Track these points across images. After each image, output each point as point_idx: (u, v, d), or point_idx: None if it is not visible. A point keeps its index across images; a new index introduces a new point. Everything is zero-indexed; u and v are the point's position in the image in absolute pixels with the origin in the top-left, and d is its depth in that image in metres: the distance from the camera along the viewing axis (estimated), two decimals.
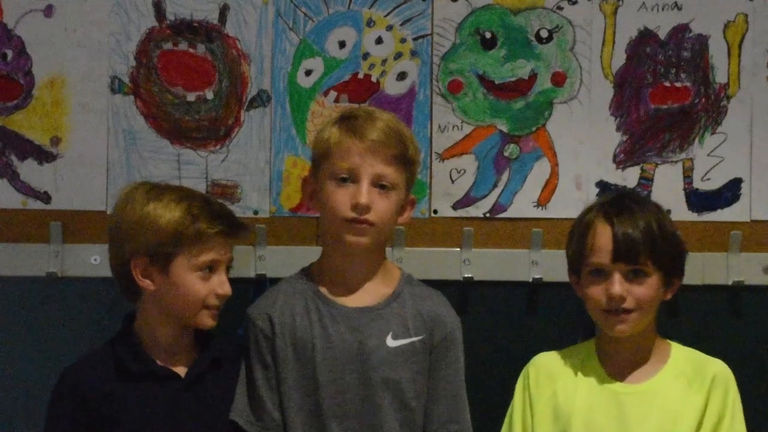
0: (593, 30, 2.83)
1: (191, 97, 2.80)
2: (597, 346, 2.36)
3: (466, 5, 2.82)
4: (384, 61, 2.81)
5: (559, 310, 2.79)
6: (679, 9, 2.82)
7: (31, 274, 2.76)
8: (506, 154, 2.83)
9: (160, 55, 2.80)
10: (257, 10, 2.81)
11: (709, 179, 2.83)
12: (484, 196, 2.82)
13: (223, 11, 2.80)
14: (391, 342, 2.28)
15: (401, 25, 2.81)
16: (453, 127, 2.82)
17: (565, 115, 2.82)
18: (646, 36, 2.82)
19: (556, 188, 2.82)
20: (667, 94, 2.83)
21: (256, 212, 2.80)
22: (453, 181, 2.82)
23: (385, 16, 2.81)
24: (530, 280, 2.79)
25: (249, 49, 2.80)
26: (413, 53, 2.82)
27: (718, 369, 2.31)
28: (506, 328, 2.81)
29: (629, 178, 2.82)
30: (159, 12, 2.79)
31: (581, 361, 2.35)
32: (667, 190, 2.79)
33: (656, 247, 2.26)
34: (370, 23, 2.81)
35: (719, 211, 2.82)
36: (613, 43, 2.82)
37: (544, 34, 2.82)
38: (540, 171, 2.82)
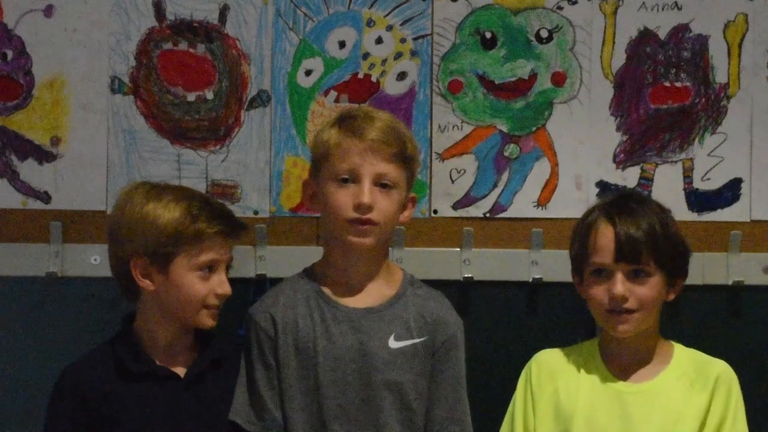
0: (593, 30, 2.83)
1: (191, 97, 2.80)
2: (600, 345, 2.36)
3: (466, 5, 2.82)
4: (384, 61, 2.81)
5: (559, 310, 2.79)
6: (679, 9, 2.82)
7: (31, 274, 2.76)
8: (506, 154, 2.83)
9: (160, 55, 2.80)
10: (257, 10, 2.81)
11: (709, 179, 2.83)
12: (484, 196, 2.82)
13: (223, 11, 2.80)
14: (393, 343, 2.28)
15: (401, 25, 2.81)
16: (453, 127, 2.82)
17: (565, 115, 2.83)
18: (646, 36, 2.82)
19: (556, 188, 2.82)
20: (667, 94, 2.83)
21: (256, 212, 2.80)
22: (453, 181, 2.82)
23: (385, 16, 2.81)
24: (530, 280, 2.79)
25: (249, 49, 2.80)
26: (413, 53, 2.82)
27: (722, 370, 2.31)
28: (506, 328, 2.81)
29: (629, 178, 2.82)
30: (159, 12, 2.79)
31: (584, 359, 2.35)
32: (667, 190, 2.79)
33: (659, 247, 2.26)
34: (370, 23, 2.81)
35: (719, 211, 2.82)
36: (613, 43, 2.82)
37: (544, 34, 2.82)
38: (540, 171, 2.82)
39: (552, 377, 2.34)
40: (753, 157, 2.83)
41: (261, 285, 2.73)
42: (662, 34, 2.82)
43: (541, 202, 2.82)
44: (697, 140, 2.83)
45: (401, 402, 2.27)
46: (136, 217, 2.26)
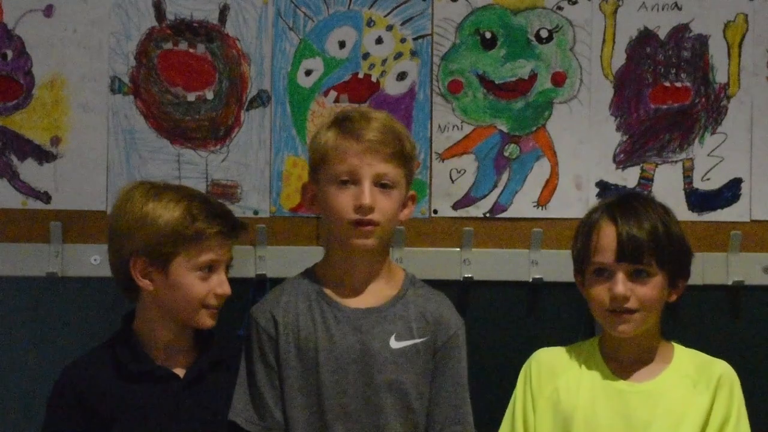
0: (593, 30, 2.83)
1: (191, 97, 2.80)
2: (600, 345, 2.35)
3: (466, 5, 2.82)
4: (384, 61, 2.81)
5: (559, 310, 2.79)
6: (679, 9, 2.82)
7: (31, 274, 2.76)
8: (506, 154, 2.83)
9: (160, 55, 2.80)
10: (257, 10, 2.81)
11: (709, 179, 2.83)
12: (484, 196, 2.82)
13: (223, 11, 2.80)
14: (394, 343, 2.28)
15: (401, 25, 2.81)
16: (453, 127, 2.82)
17: (565, 115, 2.83)
18: (646, 36, 2.82)
19: (556, 188, 2.82)
20: (667, 94, 2.83)
21: (256, 212, 2.80)
22: (453, 181, 2.82)
23: (385, 16, 2.81)
24: (530, 280, 2.79)
25: (249, 49, 2.80)
26: (413, 53, 2.82)
27: (723, 370, 2.31)
28: (506, 328, 2.81)
29: (629, 178, 2.83)
30: (159, 12, 2.79)
31: (584, 357, 2.35)
32: (667, 190, 2.79)
33: (661, 247, 2.26)
34: (370, 23, 2.81)
35: (719, 211, 2.82)
36: (613, 43, 2.82)
37: (544, 34, 2.82)
38: (540, 171, 2.82)
39: (552, 376, 2.34)
40: (753, 157, 2.83)
41: (261, 285, 2.73)
42: (662, 34, 2.82)
43: (541, 202, 2.82)
44: (697, 140, 2.83)
45: (402, 402, 2.27)
46: (136, 216, 2.26)
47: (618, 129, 2.83)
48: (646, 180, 2.82)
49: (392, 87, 2.82)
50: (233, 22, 2.80)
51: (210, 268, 2.28)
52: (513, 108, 2.82)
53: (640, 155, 2.83)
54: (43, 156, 2.79)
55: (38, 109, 2.79)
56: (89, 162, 2.79)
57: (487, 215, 2.82)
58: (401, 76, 2.81)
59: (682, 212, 2.76)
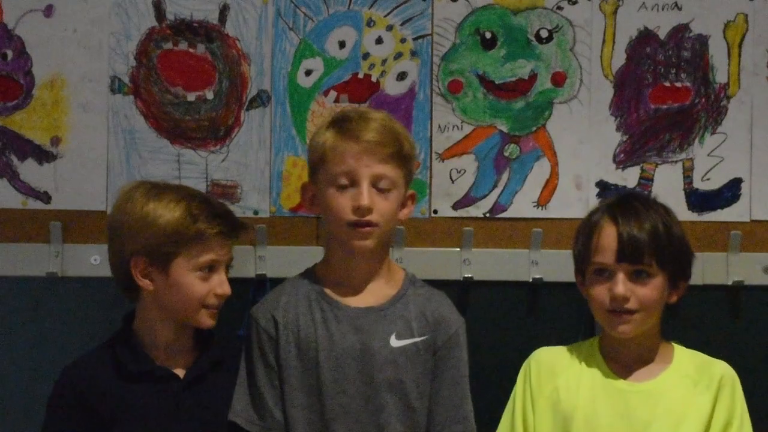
0: (593, 30, 2.83)
1: (191, 97, 2.80)
2: (600, 344, 2.35)
3: (466, 5, 2.82)
4: (384, 61, 2.81)
5: (559, 310, 2.79)
6: (679, 9, 2.82)
7: (31, 274, 2.76)
8: (506, 154, 2.83)
9: (160, 55, 2.80)
10: (257, 10, 2.81)
11: (709, 179, 2.83)
12: (484, 196, 2.82)
13: (223, 11, 2.80)
14: (394, 342, 2.28)
15: (401, 25, 2.81)
16: (453, 127, 2.82)
17: (565, 115, 2.83)
18: (646, 36, 2.82)
19: (556, 188, 2.82)
20: (667, 94, 2.83)
21: (256, 212, 2.80)
22: (453, 181, 2.82)
23: (385, 16, 2.81)
24: (530, 280, 2.79)
25: (249, 49, 2.80)
26: (413, 53, 2.82)
27: (725, 371, 2.31)
28: (506, 328, 2.81)
29: (629, 178, 2.83)
30: (159, 12, 2.79)
31: (584, 357, 2.34)
32: (667, 190, 2.79)
33: (661, 248, 2.26)
34: (370, 23, 2.81)
35: (719, 211, 2.82)
36: (613, 43, 2.82)
37: (544, 34, 2.82)
38: (540, 171, 2.82)
39: (552, 375, 2.34)
40: (753, 157, 2.83)
41: (261, 285, 2.73)
42: (662, 34, 2.82)
43: (541, 202, 2.82)
44: (697, 140, 2.83)
45: (403, 401, 2.27)
46: (136, 216, 2.25)
47: (618, 129, 2.83)
48: (646, 180, 2.82)
49: (392, 87, 2.82)
50: (233, 22, 2.80)
51: (210, 268, 2.28)
52: (513, 108, 2.82)
53: (640, 155, 2.83)
54: (43, 156, 2.79)
55: (38, 109, 2.79)
56: (89, 162, 2.79)
57: (487, 215, 2.82)
58: (401, 76, 2.82)
59: (682, 212, 2.76)
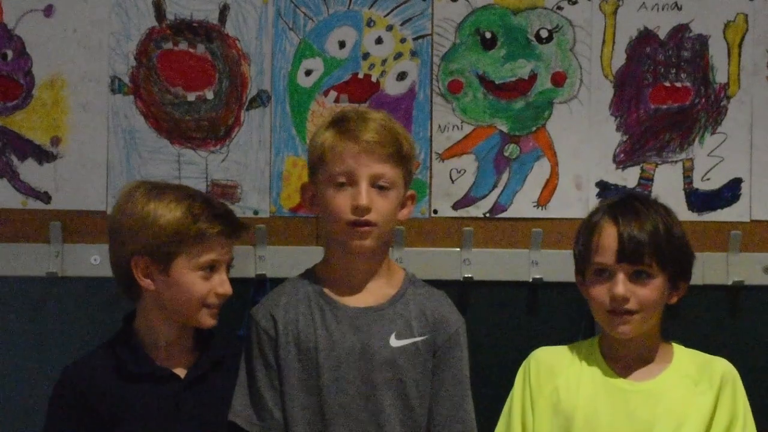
0: (593, 30, 2.83)
1: (191, 97, 2.80)
2: (600, 344, 2.35)
3: (466, 5, 2.82)
4: (384, 61, 2.81)
5: (559, 310, 2.79)
6: (679, 9, 2.82)
7: (31, 274, 2.76)
8: (506, 154, 2.83)
9: (160, 55, 2.80)
10: (257, 10, 2.81)
11: (709, 179, 2.83)
12: (484, 196, 2.82)
13: (223, 11, 2.80)
14: (394, 342, 2.28)
15: (401, 25, 2.81)
16: (453, 127, 2.82)
17: (565, 115, 2.83)
18: (646, 36, 2.83)
19: (556, 188, 2.82)
20: (667, 94, 2.83)
21: (256, 212, 2.80)
22: (453, 181, 2.82)
23: (385, 16, 2.81)
24: (530, 280, 2.79)
25: (249, 49, 2.81)
26: (413, 53, 2.82)
27: (725, 369, 2.31)
28: (506, 328, 2.81)
29: (629, 178, 2.83)
30: (159, 12, 2.79)
31: (584, 356, 2.34)
32: (667, 190, 2.79)
33: (662, 249, 2.26)
34: (370, 23, 2.81)
35: (719, 211, 2.83)
36: (613, 43, 2.83)
37: (544, 34, 2.82)
38: (540, 171, 2.82)
39: (551, 375, 2.34)
40: (753, 157, 2.83)
41: (261, 285, 2.73)
42: (662, 34, 2.83)
43: (541, 202, 2.82)
44: (697, 140, 2.83)
45: (402, 401, 2.27)
46: (137, 216, 2.25)
47: (618, 129, 2.83)
48: (646, 180, 2.82)
49: (392, 87, 2.82)
50: (233, 22, 2.80)
51: (211, 268, 2.28)
52: (513, 108, 2.82)
53: (640, 155, 2.83)
54: (43, 156, 2.79)
55: (38, 109, 2.79)
56: (89, 162, 2.79)
57: (487, 215, 2.82)
58: (401, 76, 2.82)
59: (682, 212, 2.76)
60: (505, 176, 2.82)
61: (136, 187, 2.31)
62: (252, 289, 2.73)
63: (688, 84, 2.83)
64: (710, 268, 2.78)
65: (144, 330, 2.31)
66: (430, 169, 2.81)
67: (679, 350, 2.35)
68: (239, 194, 2.80)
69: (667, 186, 2.81)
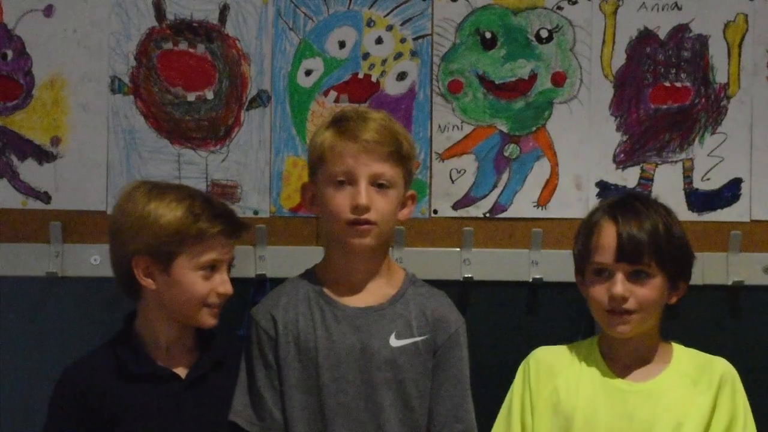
0: (593, 30, 2.83)
1: (191, 97, 2.80)
2: (600, 344, 2.35)
3: (466, 5, 2.82)
4: (384, 61, 2.81)
5: (559, 310, 2.79)
6: (679, 9, 2.82)
7: (31, 274, 2.76)
8: (506, 154, 2.83)
9: (160, 55, 2.80)
10: (257, 10, 2.81)
11: (709, 179, 2.83)
12: (484, 196, 2.82)
13: (223, 11, 2.80)
14: (394, 342, 2.28)
15: (401, 25, 2.81)
16: (453, 127, 2.82)
17: (565, 115, 2.83)
18: (646, 36, 2.83)
19: (556, 188, 2.82)
20: (667, 94, 2.83)
21: (256, 212, 2.80)
22: (453, 181, 2.82)
23: (385, 16, 2.81)
24: (530, 280, 2.79)
25: (249, 49, 2.81)
26: (413, 53, 2.82)
27: (724, 368, 2.31)
28: (506, 328, 2.81)
29: (629, 178, 2.83)
30: (159, 12, 2.79)
31: (583, 357, 2.35)
32: (667, 190, 2.79)
33: (661, 249, 2.26)
34: (370, 23, 2.81)
35: (719, 211, 2.83)
36: (613, 43, 2.83)
37: (544, 34, 2.82)
38: (540, 171, 2.82)
39: (551, 375, 2.34)
40: (753, 157, 2.83)
41: (261, 285, 2.73)
42: (662, 34, 2.83)
43: (541, 202, 2.82)
44: (697, 140, 2.83)
45: (402, 400, 2.27)
46: (138, 216, 2.26)
47: (618, 129, 2.83)
48: (646, 180, 2.82)
49: (392, 87, 2.82)
50: (233, 22, 2.80)
51: (212, 268, 2.29)
52: (513, 108, 2.82)
53: (640, 155, 2.83)
54: (43, 156, 2.79)
55: (38, 109, 2.79)
56: (89, 162, 2.79)
57: (487, 215, 2.82)
58: (401, 76, 2.82)
59: (682, 212, 2.76)
60: (505, 176, 2.82)
61: (137, 187, 2.31)
62: (252, 289, 2.73)
63: (688, 84, 2.83)
64: (710, 268, 2.78)
65: (145, 330, 2.31)
66: (430, 169, 2.81)
67: (678, 350, 2.36)
68: (239, 194, 2.80)
69: (667, 186, 2.81)
